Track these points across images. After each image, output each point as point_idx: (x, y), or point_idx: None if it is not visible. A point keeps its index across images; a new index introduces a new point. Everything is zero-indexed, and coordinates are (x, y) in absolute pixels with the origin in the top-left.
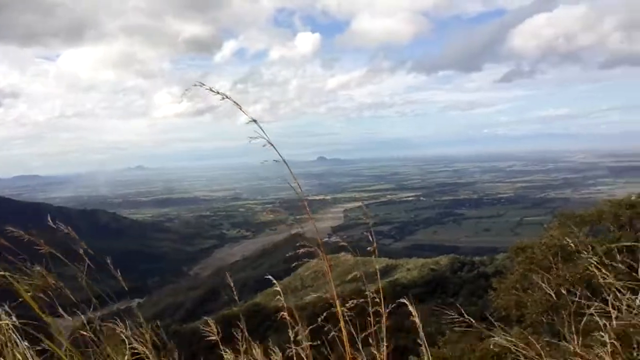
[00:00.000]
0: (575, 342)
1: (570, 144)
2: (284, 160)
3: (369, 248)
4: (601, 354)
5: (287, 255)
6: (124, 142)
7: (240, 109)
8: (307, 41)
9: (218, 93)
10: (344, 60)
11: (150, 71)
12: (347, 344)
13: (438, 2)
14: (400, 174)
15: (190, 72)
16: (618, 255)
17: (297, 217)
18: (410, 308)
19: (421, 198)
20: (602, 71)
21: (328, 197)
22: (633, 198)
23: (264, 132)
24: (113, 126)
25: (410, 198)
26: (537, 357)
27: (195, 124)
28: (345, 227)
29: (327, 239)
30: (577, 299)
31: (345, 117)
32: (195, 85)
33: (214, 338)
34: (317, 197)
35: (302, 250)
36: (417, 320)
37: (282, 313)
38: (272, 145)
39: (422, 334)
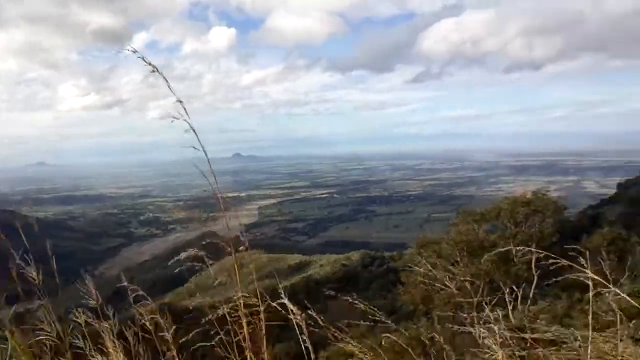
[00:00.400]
0: (477, 334)
1: (475, 143)
2: (204, 150)
3: (241, 247)
4: (492, 344)
5: (200, 253)
6: (27, 136)
7: (169, 87)
8: (222, 36)
9: (150, 64)
10: (260, 56)
11: (56, 62)
12: (248, 344)
13: (352, 3)
14: (315, 172)
15: (98, 63)
16: (514, 250)
17: (210, 214)
18: (290, 307)
19: (335, 195)
20: (505, 75)
21: (242, 194)
22: (528, 196)
23: (187, 114)
24: (15, 119)
25: (324, 195)
26: (441, 349)
27: (103, 118)
28: (259, 225)
29: (241, 236)
30: (480, 291)
31: (261, 113)
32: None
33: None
34: (231, 195)
35: (196, 251)
36: (297, 318)
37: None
38: (194, 131)
39: (305, 333)
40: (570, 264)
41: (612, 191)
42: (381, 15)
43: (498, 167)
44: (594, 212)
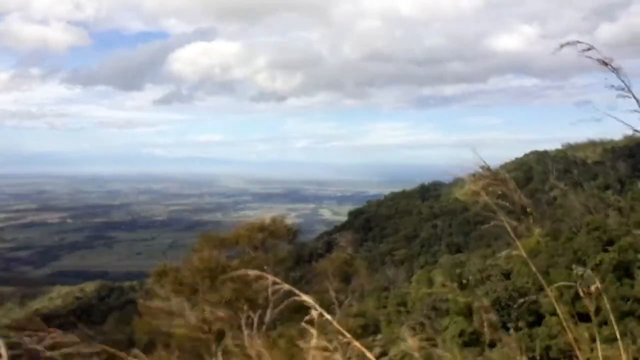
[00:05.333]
0: None
1: (224, 169)
2: None
3: None
4: None
5: None
6: None
7: None
8: None
9: None
10: None
11: None
12: None
13: (97, 15)
14: (46, 193)
15: None
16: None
17: None
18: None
19: (68, 220)
20: (253, 104)
21: None
22: (266, 222)
23: None
24: None
25: (56, 220)
26: None
27: None
28: None
29: None
30: (221, 320)
31: None
32: None
33: None
34: None
35: None
36: None
37: None
38: None
39: None
40: (292, 288)
41: (344, 219)
42: (130, 30)
43: (245, 193)
44: (329, 237)
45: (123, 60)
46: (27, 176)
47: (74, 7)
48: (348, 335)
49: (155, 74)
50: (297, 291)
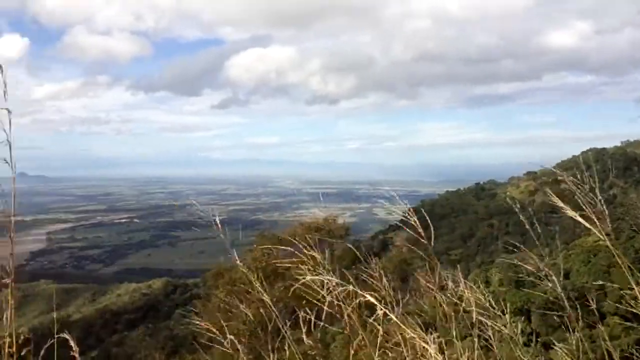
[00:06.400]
0: None
1: (279, 170)
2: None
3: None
4: None
5: None
6: None
7: None
8: (11, 44)
9: None
10: (55, 70)
11: None
12: None
13: (158, 24)
14: (113, 195)
15: None
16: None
17: None
18: (72, 343)
19: (135, 220)
20: (307, 107)
21: (28, 219)
22: (321, 221)
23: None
24: None
25: (124, 220)
26: None
27: None
28: (48, 252)
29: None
30: (275, 318)
31: (55, 130)
32: None
33: None
34: (14, 219)
35: None
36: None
37: None
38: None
39: None
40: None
41: (398, 218)
42: (188, 38)
43: (300, 193)
44: (384, 236)
45: (182, 67)
46: (95, 179)
47: (135, 19)
48: (409, 331)
49: (213, 79)
50: (360, 291)
